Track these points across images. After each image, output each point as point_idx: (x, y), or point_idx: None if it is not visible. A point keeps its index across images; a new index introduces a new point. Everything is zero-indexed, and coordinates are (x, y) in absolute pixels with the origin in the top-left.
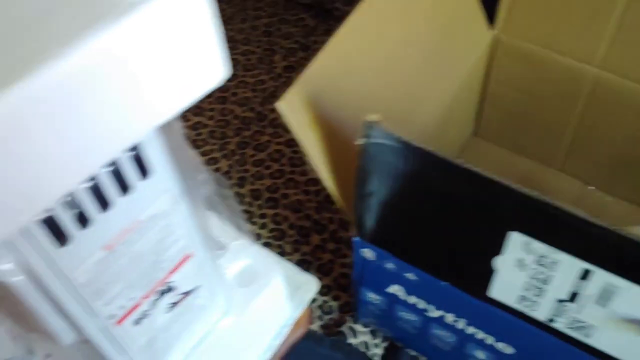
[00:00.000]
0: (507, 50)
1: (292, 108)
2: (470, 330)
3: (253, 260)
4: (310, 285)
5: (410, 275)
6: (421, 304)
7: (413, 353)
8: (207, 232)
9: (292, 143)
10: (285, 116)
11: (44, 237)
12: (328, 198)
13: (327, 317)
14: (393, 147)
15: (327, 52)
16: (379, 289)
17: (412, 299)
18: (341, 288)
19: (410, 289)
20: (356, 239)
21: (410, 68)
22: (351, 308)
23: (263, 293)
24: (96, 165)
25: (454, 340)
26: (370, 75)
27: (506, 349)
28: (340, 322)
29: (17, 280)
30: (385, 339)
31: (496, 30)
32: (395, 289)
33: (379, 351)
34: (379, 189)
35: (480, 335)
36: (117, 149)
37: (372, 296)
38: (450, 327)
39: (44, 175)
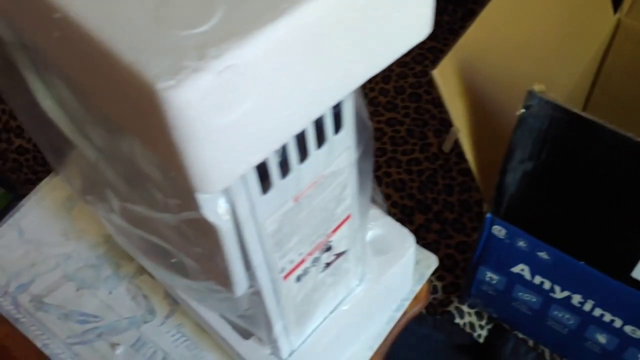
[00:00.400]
0: (629, 34)
1: (445, 77)
2: (597, 312)
3: (386, 230)
4: (429, 260)
5: (543, 254)
6: (546, 285)
7: (521, 336)
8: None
9: (393, 122)
10: (437, 84)
11: (254, 183)
12: (431, 178)
13: (431, 296)
14: (556, 118)
15: (477, 24)
16: (502, 269)
17: (538, 279)
18: (446, 269)
19: (539, 268)
20: (489, 215)
21: (544, 48)
22: (456, 288)
23: (397, 264)
24: (334, 100)
25: (574, 322)
26: (512, 50)
27: (635, 332)
28: (444, 302)
29: (226, 221)
30: (490, 320)
31: (620, 14)
32: (520, 269)
33: (483, 333)
34: (528, 162)
35: (608, 317)
36: (346, 91)
37: (491, 276)
38: (574, 309)
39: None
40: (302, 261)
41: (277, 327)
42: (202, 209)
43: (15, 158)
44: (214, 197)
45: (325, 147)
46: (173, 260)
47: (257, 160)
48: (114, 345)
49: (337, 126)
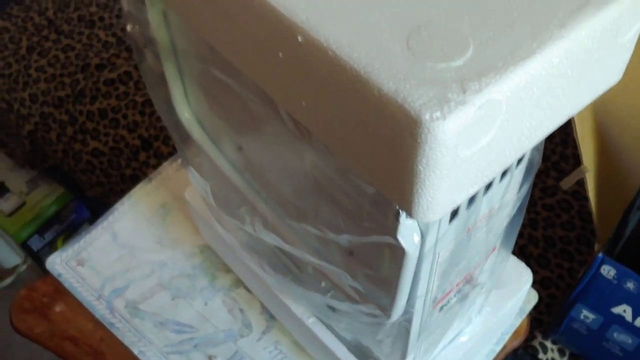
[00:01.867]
0: None
1: (580, 115)
2: None
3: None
4: (530, 295)
5: None
6: None
7: None
8: None
9: None
10: (573, 121)
11: (447, 212)
12: None
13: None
14: None
15: None
16: (601, 308)
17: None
18: None
19: None
20: (600, 255)
21: None
22: (539, 324)
23: (514, 298)
24: (545, 135)
25: None
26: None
27: None
28: (528, 337)
29: (416, 249)
30: (571, 357)
31: None
32: (622, 309)
33: None
34: None
35: None
36: (555, 127)
37: (587, 314)
38: None
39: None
40: (450, 291)
41: (410, 357)
42: (399, 234)
43: (89, 160)
44: (412, 224)
45: (506, 179)
46: (305, 277)
47: (475, 190)
48: (211, 358)
49: (519, 160)
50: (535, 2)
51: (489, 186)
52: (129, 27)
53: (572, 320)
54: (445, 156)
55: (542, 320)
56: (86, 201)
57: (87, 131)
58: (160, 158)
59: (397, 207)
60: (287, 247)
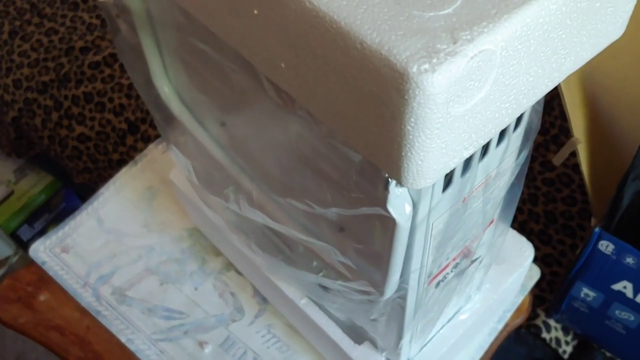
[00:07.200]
0: None
1: (569, 86)
2: None
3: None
4: (532, 272)
5: None
6: None
7: (609, 355)
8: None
9: None
10: (561, 93)
11: (440, 179)
12: None
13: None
14: None
15: None
16: (601, 285)
17: None
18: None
19: None
20: (597, 230)
21: None
22: (541, 302)
23: (515, 274)
24: (543, 93)
25: None
26: (634, 62)
27: None
28: (530, 316)
29: (407, 220)
30: (575, 336)
31: None
32: (623, 286)
33: (569, 349)
34: None
35: None
36: (554, 84)
37: (587, 292)
38: None
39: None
40: (447, 266)
41: (407, 336)
42: (389, 205)
43: (76, 145)
44: (402, 193)
45: (503, 145)
46: (296, 255)
47: (469, 153)
48: (201, 344)
49: (516, 124)
50: None
51: (484, 152)
52: None
53: (573, 299)
54: (436, 114)
55: (544, 298)
56: (76, 189)
57: (72, 116)
58: (148, 141)
59: (386, 174)
60: (274, 225)
